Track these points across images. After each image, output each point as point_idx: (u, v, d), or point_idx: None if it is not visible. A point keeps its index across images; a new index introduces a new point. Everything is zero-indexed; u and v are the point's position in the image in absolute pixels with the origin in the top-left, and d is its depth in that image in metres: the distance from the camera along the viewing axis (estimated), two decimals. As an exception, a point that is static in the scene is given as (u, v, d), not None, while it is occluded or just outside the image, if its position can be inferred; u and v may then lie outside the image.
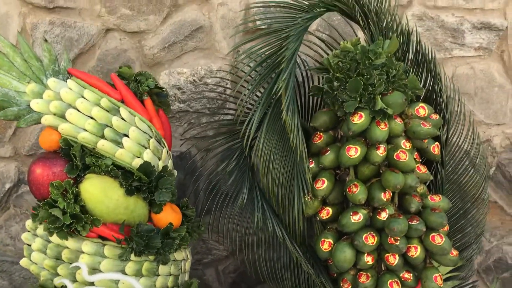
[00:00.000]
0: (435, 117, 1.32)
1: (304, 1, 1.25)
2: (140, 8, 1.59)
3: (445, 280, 1.45)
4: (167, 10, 1.60)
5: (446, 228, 1.28)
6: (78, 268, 1.12)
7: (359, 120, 1.18)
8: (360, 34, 1.46)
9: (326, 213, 1.31)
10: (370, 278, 1.25)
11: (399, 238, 1.21)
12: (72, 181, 1.11)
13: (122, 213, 1.15)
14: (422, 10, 1.71)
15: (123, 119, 1.19)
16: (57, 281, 1.13)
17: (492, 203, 1.86)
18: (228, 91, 1.62)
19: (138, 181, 1.15)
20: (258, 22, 1.51)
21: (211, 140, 1.41)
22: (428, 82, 1.39)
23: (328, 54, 1.40)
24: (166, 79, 1.65)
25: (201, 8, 1.63)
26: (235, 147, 1.35)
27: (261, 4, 1.38)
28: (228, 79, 1.61)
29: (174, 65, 1.65)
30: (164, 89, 1.30)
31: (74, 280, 1.12)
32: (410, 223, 1.22)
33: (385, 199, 1.22)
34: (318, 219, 1.32)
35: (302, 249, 1.35)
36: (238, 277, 1.82)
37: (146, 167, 1.16)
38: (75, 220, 1.09)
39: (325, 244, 1.28)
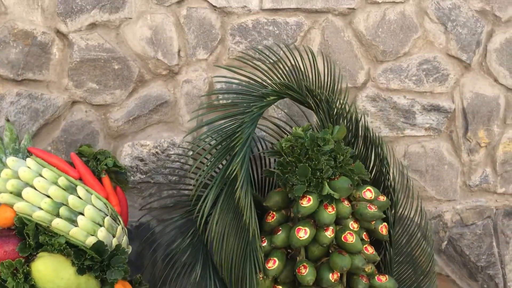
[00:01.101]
0: (382, 198, 1.39)
1: (259, 89, 1.33)
2: (107, 82, 1.65)
3: None
4: (133, 85, 1.67)
5: (393, 308, 1.32)
6: None
7: (307, 203, 1.23)
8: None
9: (276, 294, 1.33)
10: None
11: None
12: (23, 260, 1.13)
13: (72, 292, 1.16)
14: (376, 92, 1.82)
15: (79, 197, 1.22)
16: None
17: (444, 277, 1.91)
18: (189, 163, 1.66)
19: (91, 260, 1.17)
20: (219, 101, 1.58)
21: (167, 218, 1.44)
22: (376, 165, 1.47)
23: (285, 134, 1.48)
24: (129, 150, 1.70)
25: (166, 84, 1.70)
26: (191, 223, 1.39)
27: (223, 90, 1.46)
28: (189, 156, 1.66)
29: (138, 137, 1.70)
30: (122, 167, 1.34)
31: None
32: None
33: (333, 280, 1.26)
34: (269, 301, 1.35)
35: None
36: None
37: (99, 246, 1.18)
38: (23, 300, 1.09)
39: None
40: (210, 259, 1.38)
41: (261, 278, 1.32)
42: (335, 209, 1.25)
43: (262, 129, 1.57)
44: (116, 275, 1.20)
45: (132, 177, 1.72)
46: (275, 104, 1.64)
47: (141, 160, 1.70)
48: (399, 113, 1.83)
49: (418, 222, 1.67)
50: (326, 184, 1.23)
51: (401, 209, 1.64)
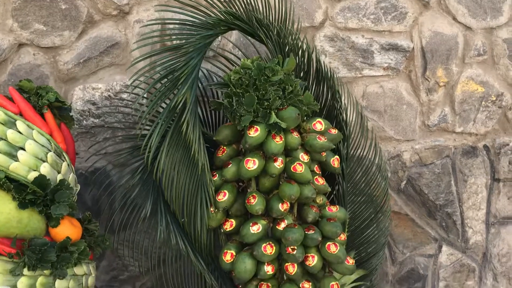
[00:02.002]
0: (334, 131, 1.38)
1: (206, 19, 1.29)
2: (54, 23, 1.59)
3: (351, 289, 1.50)
4: (82, 26, 1.61)
5: (343, 238, 1.33)
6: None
7: (255, 133, 1.22)
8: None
9: (229, 225, 1.33)
10: (270, 288, 1.28)
11: (296, 248, 1.24)
12: (-39, 195, 1.10)
13: (14, 226, 1.13)
14: (334, 32, 1.79)
15: (19, 132, 1.18)
16: None
17: (404, 216, 1.94)
18: (146, 105, 1.63)
19: (33, 195, 1.15)
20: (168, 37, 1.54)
21: (115, 154, 1.42)
22: (328, 99, 1.45)
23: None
24: (80, 94, 1.65)
25: (117, 24, 1.65)
26: (141, 161, 1.37)
27: (169, 22, 1.42)
28: (144, 96, 1.62)
29: (89, 80, 1.66)
30: (66, 103, 1.30)
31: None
32: (306, 232, 1.26)
33: (282, 210, 1.26)
34: (222, 231, 1.35)
35: (208, 262, 1.37)
36: (155, 293, 1.80)
37: (41, 180, 1.15)
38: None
39: (228, 256, 1.31)
40: (161, 195, 1.36)
41: (212, 212, 1.31)
42: (283, 139, 1.24)
43: (219, 68, 1.53)
44: (61, 210, 1.18)
45: (84, 121, 1.69)
46: (234, 44, 1.61)
47: (93, 103, 1.66)
48: (357, 53, 1.82)
49: (377, 162, 1.68)
50: (274, 113, 1.21)
51: (359, 150, 1.65)
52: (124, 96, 1.65)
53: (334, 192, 1.49)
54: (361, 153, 1.64)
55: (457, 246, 1.97)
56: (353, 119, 1.63)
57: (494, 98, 1.95)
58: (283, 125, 1.21)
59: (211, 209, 1.31)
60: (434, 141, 1.94)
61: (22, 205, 1.14)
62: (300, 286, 1.30)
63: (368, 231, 1.56)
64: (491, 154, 1.99)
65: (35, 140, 1.20)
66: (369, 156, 1.65)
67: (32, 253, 1.12)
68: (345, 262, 1.29)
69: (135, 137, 1.40)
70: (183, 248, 1.32)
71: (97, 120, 1.66)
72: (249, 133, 1.22)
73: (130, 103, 1.63)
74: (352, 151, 1.61)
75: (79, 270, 1.26)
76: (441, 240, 1.97)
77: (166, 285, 1.42)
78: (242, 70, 1.27)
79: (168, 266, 1.42)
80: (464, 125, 1.94)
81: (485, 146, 1.98)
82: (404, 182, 1.92)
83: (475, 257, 2.00)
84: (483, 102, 1.95)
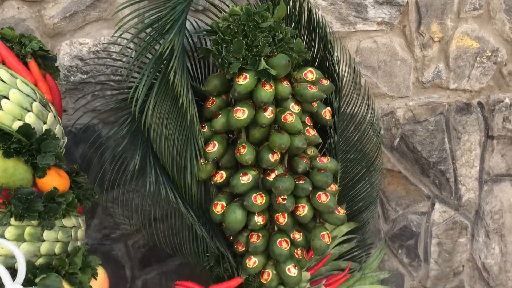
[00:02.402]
0: (326, 82, 1.36)
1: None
2: (38, -24, 1.54)
3: (342, 242, 1.50)
4: (67, -22, 1.56)
5: (334, 188, 1.32)
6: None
7: (244, 81, 1.19)
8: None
9: (220, 176, 1.32)
10: (261, 238, 1.28)
11: (286, 197, 1.23)
12: None
13: (0, 176, 1.12)
14: (326, -16, 1.75)
15: (3, 80, 1.15)
16: None
17: (397, 173, 1.93)
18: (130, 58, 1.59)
19: (18, 143, 1.12)
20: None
21: (103, 104, 1.39)
22: (320, 50, 1.42)
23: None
24: (67, 49, 1.62)
25: (103, -23, 1.60)
26: (129, 113, 1.34)
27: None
28: (131, 48, 1.59)
29: (76, 35, 1.62)
30: (50, 52, 1.27)
31: None
32: (297, 182, 1.25)
33: (273, 160, 1.24)
34: (212, 183, 1.34)
35: (199, 215, 1.36)
36: (148, 251, 1.80)
37: (26, 129, 1.13)
38: None
39: (218, 207, 1.30)
40: (150, 148, 1.34)
41: (202, 163, 1.30)
42: (273, 88, 1.22)
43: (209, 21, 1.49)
44: (48, 160, 1.16)
45: (72, 78, 1.65)
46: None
47: (81, 59, 1.62)
48: (350, 7, 1.77)
49: (369, 118, 1.66)
50: (263, 60, 1.18)
51: (352, 106, 1.63)
52: (113, 51, 1.61)
53: (326, 146, 1.48)
54: (354, 109, 1.62)
55: (450, 204, 1.97)
56: (346, 74, 1.61)
57: (489, 54, 1.92)
58: (273, 72, 1.18)
59: (201, 160, 1.29)
60: (428, 98, 1.91)
61: (7, 154, 1.12)
62: (291, 236, 1.30)
63: (359, 185, 1.55)
64: (485, 111, 1.97)
65: (19, 89, 1.17)
66: (362, 112, 1.63)
67: (18, 202, 1.11)
68: (336, 212, 1.28)
69: (122, 89, 1.37)
70: (173, 200, 1.31)
71: (85, 76, 1.63)
72: (238, 81, 1.20)
73: (118, 58, 1.60)
74: (345, 106, 1.59)
75: (68, 222, 1.25)
76: (434, 197, 1.97)
77: (159, 242, 1.42)
78: (230, 18, 1.23)
79: (160, 223, 1.42)
80: (458, 81, 1.92)
81: (479, 103, 1.96)
82: (398, 139, 1.91)
83: (467, 215, 2.00)
84: (478, 58, 1.92)
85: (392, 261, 1.98)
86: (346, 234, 1.49)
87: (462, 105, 1.93)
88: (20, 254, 1.08)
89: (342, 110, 1.52)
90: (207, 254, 1.37)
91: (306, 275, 1.42)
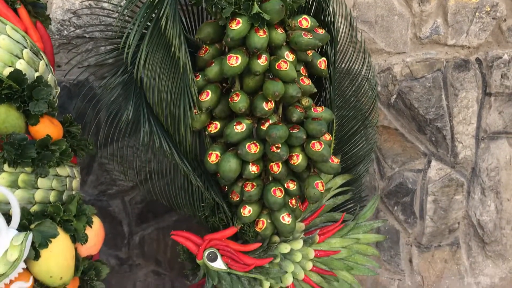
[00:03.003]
0: (321, 31, 1.34)
1: None
2: None
3: (337, 195, 1.50)
4: None
5: (329, 138, 1.32)
6: None
7: (236, 26, 1.18)
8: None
9: (214, 127, 1.31)
10: (255, 187, 1.28)
11: (280, 146, 1.23)
12: None
13: (-9, 122, 1.11)
14: None
15: (-9, 27, 1.13)
16: None
17: (393, 130, 1.93)
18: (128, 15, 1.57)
19: (9, 89, 1.11)
20: None
21: (97, 59, 1.38)
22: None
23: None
24: (60, 3, 1.60)
25: None
26: (121, 62, 1.33)
27: None
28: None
29: (68, -12, 1.59)
30: (40, -1, 1.25)
31: None
32: (291, 131, 1.24)
33: (267, 109, 1.23)
34: (206, 133, 1.33)
35: (194, 165, 1.36)
36: (145, 207, 1.82)
37: (17, 75, 1.12)
38: None
39: (213, 156, 1.29)
40: (144, 98, 1.33)
41: (196, 113, 1.29)
42: (266, 33, 1.20)
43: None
44: (40, 107, 1.15)
45: (65, 32, 1.63)
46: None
47: (74, 13, 1.60)
48: (347, -41, 1.74)
49: (365, 72, 1.64)
50: (256, 4, 1.16)
51: (347, 62, 1.61)
52: (105, 5, 1.58)
53: (322, 99, 1.47)
54: (350, 65, 1.60)
55: (446, 161, 1.98)
56: (343, 28, 1.58)
57: (489, 9, 1.89)
58: (266, 16, 1.17)
59: (195, 110, 1.28)
60: (425, 54, 1.89)
61: (-2, 100, 1.11)
62: (285, 185, 1.30)
63: (354, 139, 1.54)
64: (483, 67, 1.95)
65: (9, 36, 1.15)
66: (358, 67, 1.62)
67: (11, 147, 1.10)
68: (330, 161, 1.28)
69: (115, 42, 1.36)
70: (167, 150, 1.31)
71: (79, 30, 1.61)
72: (231, 26, 1.18)
73: (111, 11, 1.57)
74: (340, 61, 1.57)
75: (62, 171, 1.25)
76: (431, 155, 1.97)
77: (154, 194, 1.42)
78: (223, -37, 1.21)
79: (156, 179, 1.42)
80: (456, 37, 1.90)
81: (477, 59, 1.94)
82: (394, 96, 1.89)
83: (464, 172, 2.00)
84: (477, 13, 1.89)
85: (388, 218, 1.99)
86: (341, 186, 1.50)
87: (460, 62, 1.91)
88: (14, 199, 1.08)
89: (337, 65, 1.50)
90: (202, 204, 1.37)
91: (301, 225, 1.43)
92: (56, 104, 1.27)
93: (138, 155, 1.47)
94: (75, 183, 1.32)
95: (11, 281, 1.10)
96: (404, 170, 1.97)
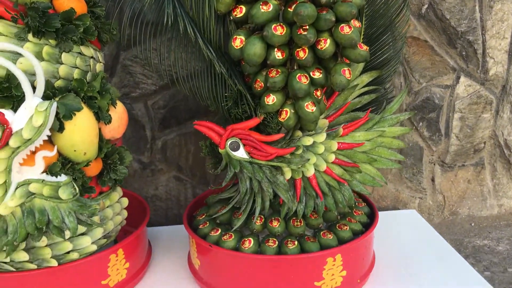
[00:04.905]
0: None
1: None
2: None
3: (363, 94, 1.47)
4: None
5: (358, 25, 1.27)
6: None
7: None
8: None
9: (239, 10, 1.28)
10: (280, 73, 1.25)
11: (307, 28, 1.19)
12: None
13: (15, -13, 1.10)
14: None
15: None
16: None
17: (422, 42, 1.87)
18: None
19: (32, -44, 1.09)
20: None
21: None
22: None
23: None
24: None
25: None
26: None
27: None
28: None
29: None
30: None
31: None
32: (320, 13, 1.20)
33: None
34: (231, 18, 1.30)
35: (218, 54, 1.34)
36: (168, 112, 1.81)
37: None
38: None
39: (237, 41, 1.26)
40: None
41: (221, -5, 1.25)
42: None
43: None
44: (64, -22, 1.14)
45: None
46: None
47: None
48: None
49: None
50: None
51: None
52: None
53: (350, -9, 1.41)
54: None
55: (476, 77, 1.91)
56: None
57: None
58: None
59: (220, -11, 1.25)
60: (461, -39, 1.80)
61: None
62: (311, 73, 1.27)
63: (383, 38, 1.49)
64: (522, -23, 1.85)
65: None
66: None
67: (35, 13, 1.09)
68: (358, 47, 1.24)
69: None
70: (191, 33, 1.28)
71: None
72: None
73: None
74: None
75: (86, 50, 1.24)
76: (460, 70, 1.90)
77: (178, 87, 1.39)
78: None
79: (179, 69, 1.39)
80: None
81: (516, -31, 1.84)
82: (426, 6, 1.82)
83: (493, 89, 1.94)
84: None
85: (412, 133, 1.95)
86: (367, 85, 1.46)
87: (497, -26, 1.82)
88: (39, 66, 1.08)
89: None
90: (226, 94, 1.36)
91: (324, 122, 1.41)
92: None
93: (161, 58, 1.44)
94: (99, 67, 1.31)
95: (36, 149, 1.11)
96: (431, 85, 1.92)
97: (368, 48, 1.27)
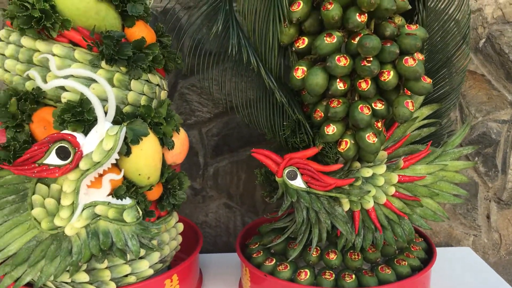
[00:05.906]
0: None
1: None
2: None
3: (422, 127, 1.45)
4: None
5: (422, 58, 1.27)
6: (48, 71, 1.14)
7: None
8: None
9: (301, 42, 1.30)
10: (341, 104, 1.26)
11: (371, 59, 1.20)
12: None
13: (93, 17, 1.15)
14: None
15: None
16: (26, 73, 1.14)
17: (479, 76, 1.84)
18: None
19: (108, -11, 1.15)
20: None
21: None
22: None
23: None
24: None
25: None
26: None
27: None
28: None
29: None
30: None
31: (44, 75, 1.14)
32: (384, 45, 1.21)
33: (360, 20, 1.20)
34: (293, 49, 1.32)
35: (279, 83, 1.35)
36: (221, 140, 1.84)
37: (117, -23, 1.15)
38: (44, 15, 1.09)
39: (299, 72, 1.28)
40: (232, 12, 1.34)
41: (285, 26, 1.28)
42: None
43: None
44: (137, 9, 1.19)
45: (154, -42, 1.66)
46: None
47: None
48: None
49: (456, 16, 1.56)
50: None
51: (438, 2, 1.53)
52: None
53: (413, 23, 1.41)
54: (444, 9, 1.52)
55: (535, 113, 1.86)
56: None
57: None
58: None
59: (284, 23, 1.27)
60: (521, -4, 1.78)
61: (101, -4, 1.14)
62: (373, 105, 1.27)
63: (442, 72, 1.48)
64: None
65: None
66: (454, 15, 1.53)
67: (110, 41, 1.14)
68: (422, 80, 1.24)
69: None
70: (254, 63, 1.30)
71: (167, -44, 1.63)
72: None
73: None
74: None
75: (153, 78, 1.28)
76: (518, 105, 1.86)
77: (237, 113, 1.41)
78: None
79: (239, 95, 1.41)
80: (557, -23, 1.77)
81: None
82: (483, 40, 1.80)
83: (553, 126, 1.88)
84: None
85: (467, 169, 1.91)
86: (426, 118, 1.44)
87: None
88: (111, 92, 1.12)
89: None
90: (284, 123, 1.37)
91: (383, 154, 1.39)
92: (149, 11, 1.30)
93: (219, 72, 1.46)
94: (163, 94, 1.35)
95: (104, 172, 1.14)
96: (488, 120, 1.88)
97: (431, 81, 1.26)
